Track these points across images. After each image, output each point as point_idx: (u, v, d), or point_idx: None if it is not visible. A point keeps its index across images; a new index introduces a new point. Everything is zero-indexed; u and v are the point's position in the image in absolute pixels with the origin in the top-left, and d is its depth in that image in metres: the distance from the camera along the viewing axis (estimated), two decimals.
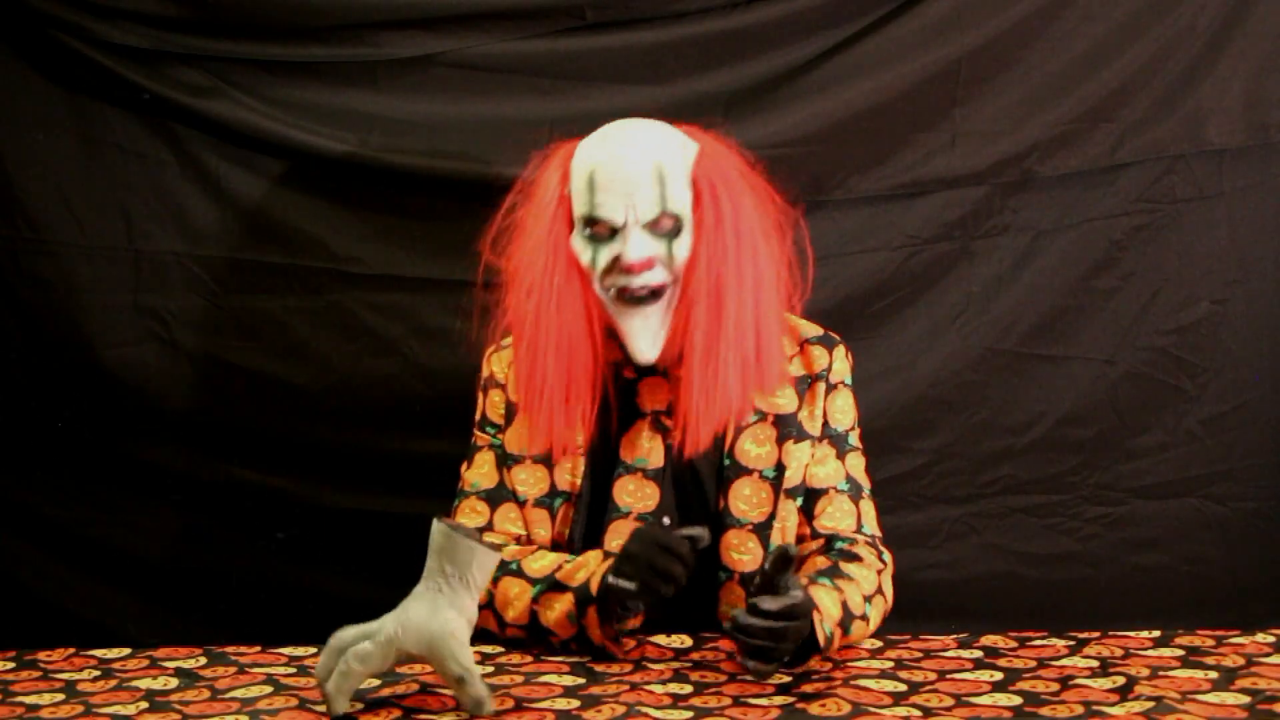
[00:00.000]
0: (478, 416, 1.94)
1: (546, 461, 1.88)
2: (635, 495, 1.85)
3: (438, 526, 1.56)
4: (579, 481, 1.86)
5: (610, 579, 1.69)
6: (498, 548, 1.60)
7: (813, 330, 1.93)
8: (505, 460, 1.90)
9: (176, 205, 2.32)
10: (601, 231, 1.81)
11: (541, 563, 1.81)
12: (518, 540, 1.88)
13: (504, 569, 1.81)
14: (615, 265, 1.80)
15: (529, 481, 1.88)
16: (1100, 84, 2.32)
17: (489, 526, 1.89)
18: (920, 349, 2.35)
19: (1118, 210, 2.35)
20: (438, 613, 1.54)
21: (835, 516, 1.87)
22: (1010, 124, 2.33)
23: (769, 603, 1.59)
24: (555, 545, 1.87)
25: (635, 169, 1.80)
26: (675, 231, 1.81)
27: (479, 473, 1.92)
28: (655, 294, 1.80)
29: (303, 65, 2.30)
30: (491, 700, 1.52)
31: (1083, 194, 2.34)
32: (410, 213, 2.32)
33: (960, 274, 2.35)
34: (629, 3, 2.29)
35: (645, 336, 1.81)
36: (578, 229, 1.83)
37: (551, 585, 1.77)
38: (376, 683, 1.62)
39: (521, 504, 1.88)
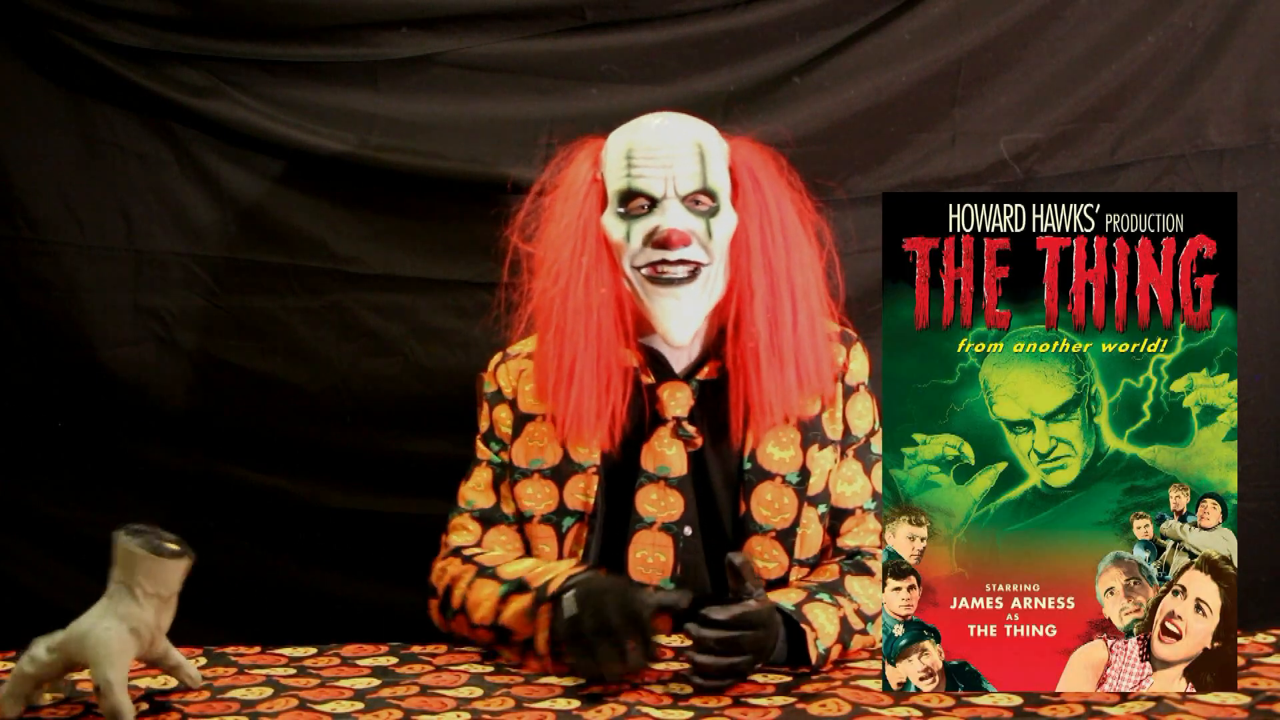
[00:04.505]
0: (483, 429, 1.89)
1: (556, 477, 1.82)
2: (659, 505, 1.79)
3: (117, 533, 1.53)
4: (592, 501, 1.80)
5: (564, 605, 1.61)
6: (178, 555, 1.53)
7: (831, 326, 1.87)
8: (512, 474, 1.84)
9: (176, 205, 2.32)
10: (638, 207, 1.77)
11: (517, 566, 1.75)
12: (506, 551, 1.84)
13: (482, 572, 1.77)
14: (651, 239, 1.75)
15: (536, 497, 1.83)
16: (1100, 84, 2.33)
17: (478, 544, 1.85)
18: None
19: None
20: (100, 620, 1.52)
21: (859, 535, 1.83)
22: (1010, 124, 2.33)
23: (719, 612, 1.56)
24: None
25: (676, 141, 1.77)
26: (713, 211, 1.77)
27: (476, 490, 1.87)
28: (691, 274, 1.75)
29: (303, 65, 2.30)
30: (131, 716, 1.49)
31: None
32: (410, 213, 2.32)
33: None
34: (629, 3, 2.30)
35: (678, 318, 1.75)
36: (611, 207, 1.78)
37: (519, 586, 1.71)
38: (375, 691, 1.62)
39: (528, 519, 1.83)
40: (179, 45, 2.27)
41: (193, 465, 2.36)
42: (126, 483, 2.37)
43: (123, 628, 1.52)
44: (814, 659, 1.64)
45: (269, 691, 1.62)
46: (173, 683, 1.65)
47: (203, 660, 1.74)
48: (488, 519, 1.86)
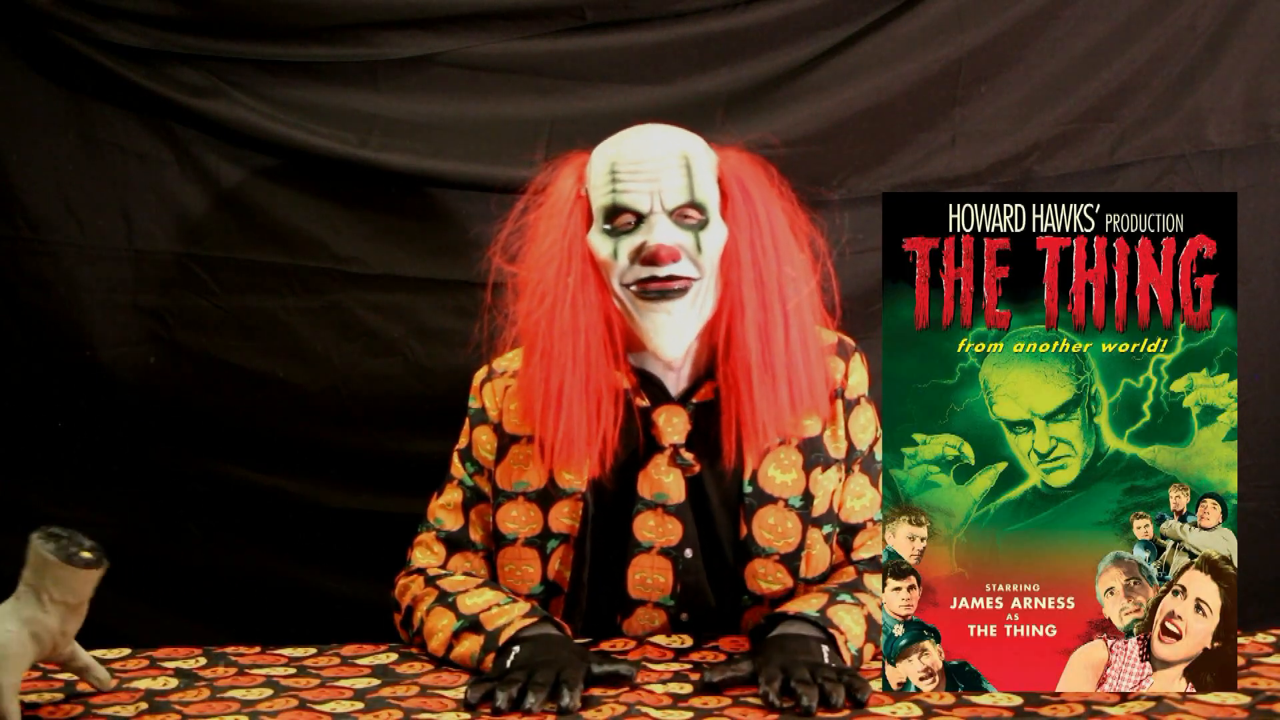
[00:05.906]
0: (461, 444, 1.87)
1: (541, 501, 1.79)
2: (657, 531, 1.76)
3: (33, 534, 1.51)
4: (577, 525, 1.78)
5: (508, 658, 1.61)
6: (90, 564, 1.52)
7: (828, 336, 1.84)
8: (495, 496, 1.82)
9: (176, 205, 2.32)
10: (624, 223, 1.72)
11: (474, 600, 1.73)
12: (468, 575, 1.82)
13: (441, 599, 1.75)
14: (639, 255, 1.70)
15: (520, 520, 1.80)
16: (1100, 84, 2.33)
17: (442, 566, 1.84)
18: None
19: None
20: (2, 623, 1.50)
21: (873, 547, 1.81)
22: (1010, 124, 2.33)
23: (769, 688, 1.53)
24: (552, 586, 1.80)
25: (661, 154, 1.73)
26: (702, 225, 1.73)
27: (446, 509, 1.86)
28: (681, 290, 1.71)
29: (303, 65, 2.30)
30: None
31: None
32: (410, 213, 2.32)
33: None
34: (629, 3, 2.29)
35: (669, 333, 1.71)
36: (596, 224, 1.74)
37: (473, 625, 1.69)
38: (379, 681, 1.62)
39: (510, 542, 1.80)
40: (179, 45, 2.27)
41: (193, 465, 2.36)
42: (126, 483, 2.37)
43: (24, 632, 1.51)
44: (849, 661, 1.63)
45: (269, 691, 1.62)
46: (173, 683, 1.65)
47: (203, 660, 1.74)
48: (454, 542, 1.85)
